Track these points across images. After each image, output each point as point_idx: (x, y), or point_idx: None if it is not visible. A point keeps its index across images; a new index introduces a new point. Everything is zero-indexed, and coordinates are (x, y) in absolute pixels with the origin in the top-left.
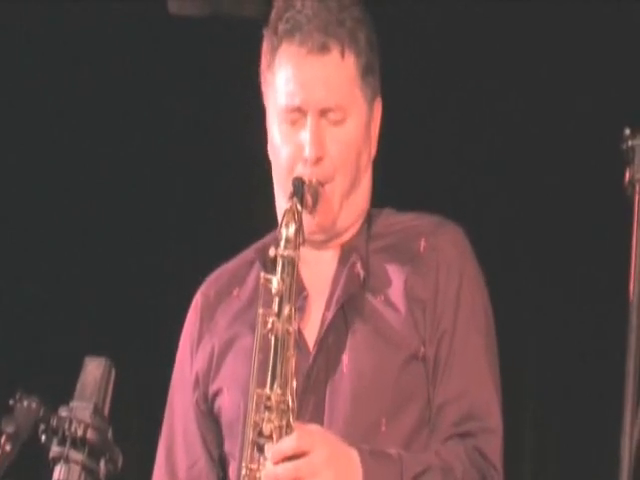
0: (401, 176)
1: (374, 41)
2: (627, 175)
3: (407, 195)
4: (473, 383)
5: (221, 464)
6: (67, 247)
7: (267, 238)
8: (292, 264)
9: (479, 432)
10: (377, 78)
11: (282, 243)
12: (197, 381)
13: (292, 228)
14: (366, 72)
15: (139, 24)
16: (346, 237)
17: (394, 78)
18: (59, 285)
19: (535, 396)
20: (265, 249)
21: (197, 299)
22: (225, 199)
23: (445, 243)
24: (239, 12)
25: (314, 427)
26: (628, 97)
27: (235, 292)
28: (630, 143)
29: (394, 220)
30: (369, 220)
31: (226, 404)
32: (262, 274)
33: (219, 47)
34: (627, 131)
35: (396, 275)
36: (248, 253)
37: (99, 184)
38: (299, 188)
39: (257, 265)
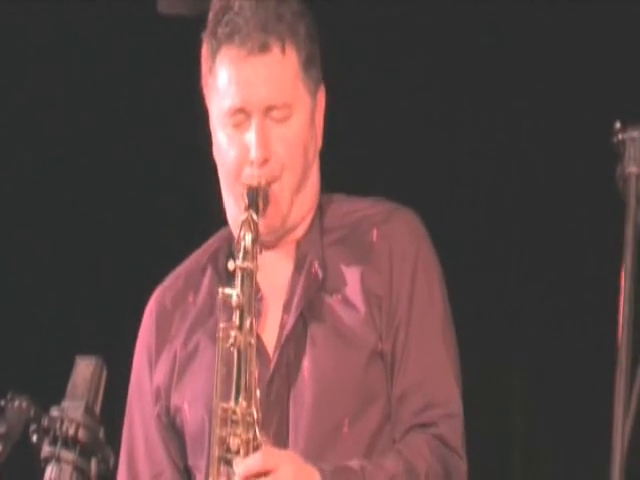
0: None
1: (314, 32)
2: (618, 169)
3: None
4: (431, 371)
5: (187, 475)
6: (61, 245)
7: (217, 238)
8: (251, 276)
9: (440, 420)
10: (319, 68)
11: (240, 255)
12: (159, 394)
13: (249, 239)
14: (308, 65)
15: (128, 23)
16: (299, 233)
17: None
18: (50, 283)
19: (523, 395)
20: (217, 254)
21: (151, 307)
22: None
23: (398, 230)
24: None
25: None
26: (619, 90)
27: (190, 298)
28: (621, 137)
29: (346, 209)
30: (320, 211)
31: (189, 418)
32: (220, 290)
33: None
34: (618, 124)
35: (352, 271)
36: (199, 256)
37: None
38: (253, 198)
39: (210, 271)
